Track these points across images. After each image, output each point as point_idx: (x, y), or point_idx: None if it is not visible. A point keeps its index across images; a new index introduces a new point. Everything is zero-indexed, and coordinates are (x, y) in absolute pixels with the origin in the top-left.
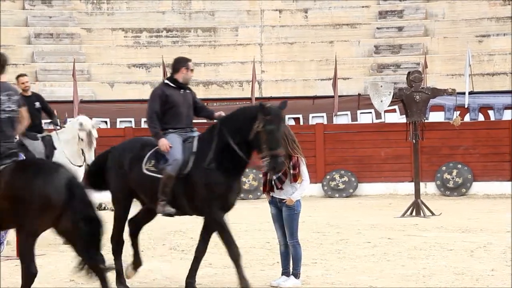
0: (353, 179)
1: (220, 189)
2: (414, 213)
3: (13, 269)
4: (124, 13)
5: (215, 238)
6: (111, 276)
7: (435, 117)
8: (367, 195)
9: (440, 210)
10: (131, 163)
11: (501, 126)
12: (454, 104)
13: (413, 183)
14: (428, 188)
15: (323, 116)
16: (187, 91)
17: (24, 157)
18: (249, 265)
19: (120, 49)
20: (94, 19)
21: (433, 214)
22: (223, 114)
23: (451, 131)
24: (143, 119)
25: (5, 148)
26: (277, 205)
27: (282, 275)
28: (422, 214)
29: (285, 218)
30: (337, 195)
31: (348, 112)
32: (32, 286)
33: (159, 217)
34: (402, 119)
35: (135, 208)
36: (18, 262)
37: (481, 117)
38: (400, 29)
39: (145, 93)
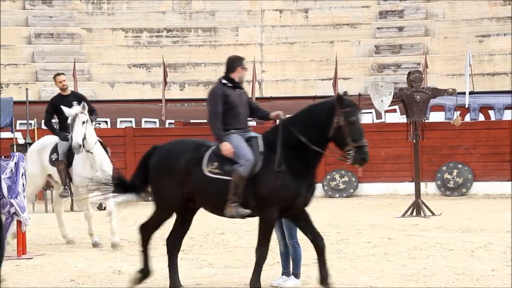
0: (353, 179)
1: (289, 190)
2: (414, 213)
3: (14, 269)
4: (125, 13)
5: (214, 238)
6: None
7: (436, 117)
8: (368, 195)
9: (441, 210)
10: (187, 166)
11: (502, 126)
12: (455, 104)
13: (413, 183)
14: (429, 188)
15: None
16: (242, 90)
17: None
18: (249, 265)
19: (120, 49)
20: (95, 19)
21: (433, 214)
22: (281, 113)
23: (451, 131)
24: (144, 119)
25: None
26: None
27: (282, 275)
28: (422, 214)
29: (284, 218)
30: (337, 195)
31: None
32: (32, 286)
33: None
34: (403, 119)
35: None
36: (18, 262)
37: (481, 117)
38: (400, 29)
39: (146, 93)
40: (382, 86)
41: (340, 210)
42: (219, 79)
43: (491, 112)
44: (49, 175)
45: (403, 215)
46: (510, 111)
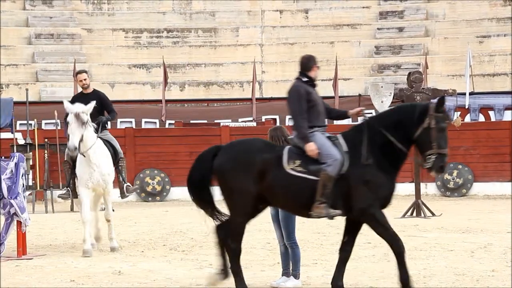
0: None
1: (381, 187)
2: (414, 214)
3: (14, 269)
4: (125, 13)
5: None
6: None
7: None
8: None
9: (441, 210)
10: (264, 164)
11: (502, 126)
12: (455, 104)
13: (413, 184)
14: (429, 188)
15: None
16: (316, 89)
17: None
18: (249, 266)
19: (120, 49)
20: (95, 19)
21: (433, 214)
22: (364, 109)
23: (451, 131)
24: (144, 120)
25: None
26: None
27: (282, 275)
28: (422, 215)
29: (282, 219)
30: None
31: None
32: (32, 286)
33: (159, 218)
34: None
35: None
36: (18, 262)
37: (481, 118)
38: (400, 29)
39: (146, 93)
40: (382, 87)
41: None
42: (297, 78)
43: (491, 113)
44: None
45: (403, 216)
46: (510, 111)
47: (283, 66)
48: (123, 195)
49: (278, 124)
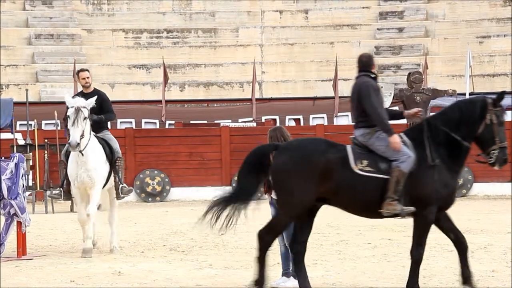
0: None
1: (447, 187)
2: None
3: (14, 270)
4: (125, 14)
5: (214, 239)
6: None
7: None
8: None
9: None
10: (329, 164)
11: None
12: None
13: None
14: None
15: (323, 117)
16: None
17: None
18: (250, 266)
19: (120, 50)
20: (95, 20)
21: None
22: (421, 111)
23: None
24: (144, 120)
25: None
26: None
27: (282, 275)
28: None
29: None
30: None
31: (349, 113)
32: (32, 286)
33: (159, 218)
34: (403, 120)
35: None
36: (18, 263)
37: None
38: (400, 30)
39: (146, 94)
40: (382, 87)
41: (340, 211)
42: (364, 74)
43: None
44: None
45: (404, 216)
46: (510, 112)
47: (283, 66)
48: (118, 196)
49: (278, 124)
